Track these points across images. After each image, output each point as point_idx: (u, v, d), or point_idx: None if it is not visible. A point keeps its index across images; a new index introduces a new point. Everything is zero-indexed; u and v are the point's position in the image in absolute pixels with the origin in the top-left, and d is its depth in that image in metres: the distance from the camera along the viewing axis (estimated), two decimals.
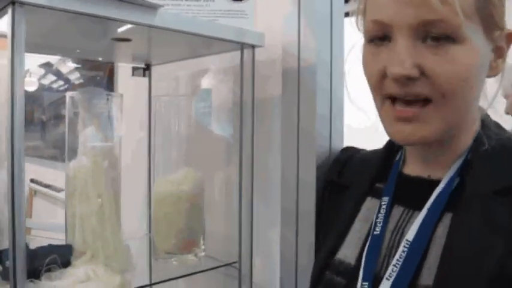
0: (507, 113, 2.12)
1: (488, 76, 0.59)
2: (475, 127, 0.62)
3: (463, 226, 0.55)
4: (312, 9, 0.90)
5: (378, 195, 0.67)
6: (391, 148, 0.72)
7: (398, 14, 0.53)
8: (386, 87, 0.56)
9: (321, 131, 0.88)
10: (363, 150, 0.82)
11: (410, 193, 0.64)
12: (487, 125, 0.62)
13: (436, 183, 0.60)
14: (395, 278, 0.56)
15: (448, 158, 0.61)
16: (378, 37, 0.57)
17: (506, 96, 2.11)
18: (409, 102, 0.55)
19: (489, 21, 0.55)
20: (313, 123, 0.88)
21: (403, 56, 0.53)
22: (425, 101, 0.55)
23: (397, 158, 0.69)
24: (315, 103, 0.88)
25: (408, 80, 0.54)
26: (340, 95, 0.91)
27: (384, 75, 0.56)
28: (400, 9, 0.53)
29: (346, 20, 0.92)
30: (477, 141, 0.60)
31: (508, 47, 0.59)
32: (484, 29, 0.55)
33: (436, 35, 0.53)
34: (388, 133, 0.59)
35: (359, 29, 0.63)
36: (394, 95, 0.56)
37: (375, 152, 0.75)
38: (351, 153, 0.82)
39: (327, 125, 0.89)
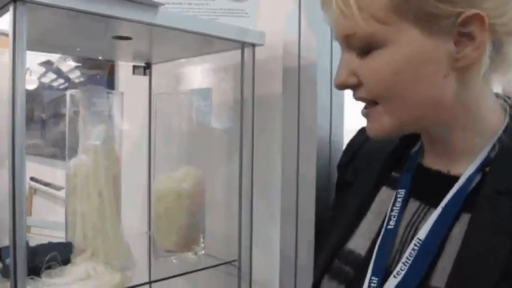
0: None
1: (466, 67, 0.55)
2: (496, 120, 0.59)
3: (481, 227, 0.52)
4: (313, 7, 0.90)
5: (394, 185, 0.65)
6: (409, 137, 0.69)
7: (335, 31, 0.60)
8: None
9: (321, 129, 0.88)
10: None
11: (428, 188, 0.61)
12: None
13: (455, 179, 0.57)
14: (404, 277, 0.54)
15: (469, 153, 0.58)
16: None
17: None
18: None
19: (420, 16, 0.53)
20: (314, 121, 0.88)
21: (340, 67, 0.60)
22: (375, 102, 0.59)
23: (416, 148, 0.68)
24: (315, 101, 0.88)
25: (350, 87, 0.59)
26: (341, 93, 0.91)
27: None
28: (335, 27, 0.59)
29: None
30: (501, 138, 0.57)
31: (481, 30, 0.53)
32: (416, 26, 0.53)
33: (357, 45, 0.57)
34: None
35: None
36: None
37: (393, 139, 0.72)
38: (366, 136, 0.81)
39: (327, 122, 0.89)
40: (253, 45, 0.93)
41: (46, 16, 0.73)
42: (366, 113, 0.61)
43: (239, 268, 0.97)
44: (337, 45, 0.89)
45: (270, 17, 0.96)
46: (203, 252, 0.98)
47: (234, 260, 0.97)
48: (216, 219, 1.09)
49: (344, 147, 0.90)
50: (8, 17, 0.63)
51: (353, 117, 0.92)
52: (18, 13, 0.63)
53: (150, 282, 0.90)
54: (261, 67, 0.96)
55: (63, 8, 0.66)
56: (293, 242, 0.93)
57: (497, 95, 0.61)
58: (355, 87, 0.59)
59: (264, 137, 1.00)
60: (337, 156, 0.89)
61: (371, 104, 0.59)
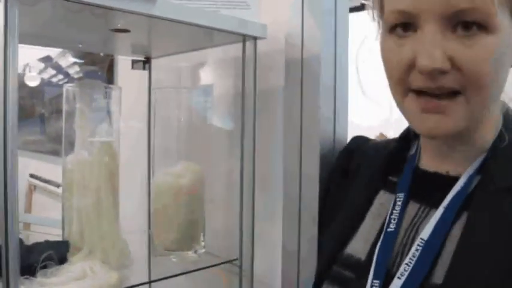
0: None
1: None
2: (496, 122, 0.59)
3: (478, 224, 0.53)
4: None
5: (392, 189, 0.65)
6: (406, 140, 0.69)
7: (427, 2, 0.50)
8: (413, 80, 0.53)
9: (324, 123, 0.86)
10: (373, 140, 0.80)
11: (427, 190, 0.61)
12: (508, 119, 0.59)
13: (455, 180, 0.57)
14: (407, 277, 0.54)
15: (468, 154, 0.58)
16: (401, 25, 0.54)
17: None
18: (435, 94, 0.53)
19: None
20: (316, 114, 0.86)
21: (433, 48, 0.50)
22: (453, 93, 0.52)
23: (412, 152, 0.67)
24: (318, 95, 0.86)
25: (438, 73, 0.51)
26: (344, 87, 0.89)
27: (409, 68, 0.53)
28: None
29: (352, 14, 0.90)
30: (499, 137, 0.58)
31: None
32: (511, 17, 0.52)
33: (467, 23, 0.50)
34: (413, 125, 0.57)
35: (374, 19, 0.61)
36: (422, 89, 0.53)
37: (387, 143, 0.73)
38: (360, 142, 0.80)
39: (331, 116, 0.87)
40: (255, 38, 0.91)
41: (40, 7, 0.71)
42: (440, 107, 0.52)
43: (240, 267, 0.95)
44: (341, 37, 0.89)
45: (272, 8, 0.94)
46: (203, 250, 0.96)
47: (236, 259, 0.95)
48: (217, 216, 1.07)
49: (347, 141, 0.88)
50: None
51: (356, 112, 0.91)
52: (9, 5, 0.61)
53: (149, 282, 0.88)
54: (262, 60, 0.93)
55: None
56: (296, 240, 0.91)
57: None
58: (440, 73, 0.51)
59: (265, 131, 0.98)
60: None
61: (446, 96, 0.52)
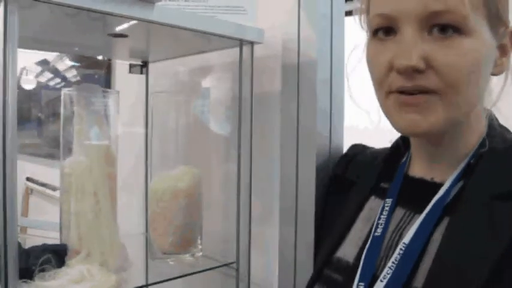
0: None
1: (493, 74, 0.58)
2: (480, 129, 0.60)
3: (458, 230, 0.54)
4: (313, 3, 0.88)
5: (382, 195, 0.67)
6: (399, 147, 0.71)
7: (403, 5, 0.53)
8: (392, 81, 0.55)
9: (320, 128, 0.87)
10: (371, 148, 0.81)
11: (413, 195, 0.63)
12: (493, 126, 0.61)
13: (439, 186, 0.59)
14: (389, 280, 0.56)
15: (453, 160, 0.60)
16: (383, 29, 0.56)
17: None
18: (414, 94, 0.55)
19: (494, 16, 0.54)
20: (313, 119, 0.87)
21: (409, 48, 0.53)
22: (431, 93, 0.54)
23: (404, 159, 0.69)
24: (315, 99, 0.86)
25: (415, 72, 0.53)
26: (341, 91, 0.90)
27: (389, 69, 0.55)
28: (405, 1, 0.53)
29: (349, 19, 0.91)
30: (481, 145, 0.59)
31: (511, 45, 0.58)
32: (489, 24, 0.54)
33: (442, 25, 0.52)
34: (393, 122, 0.58)
35: (362, 27, 0.63)
36: (400, 89, 0.55)
37: (383, 151, 0.74)
38: (358, 151, 0.82)
39: (327, 121, 0.88)
40: (252, 43, 0.91)
41: (39, 12, 0.71)
42: (418, 103, 0.54)
43: (237, 270, 0.95)
44: (338, 41, 0.89)
45: (269, 13, 0.95)
46: (201, 254, 0.96)
47: (233, 262, 0.96)
48: (214, 219, 1.07)
49: (343, 146, 0.89)
50: None
51: (353, 116, 0.91)
52: (9, 9, 0.61)
53: (147, 285, 0.89)
54: (259, 64, 0.94)
55: (56, 3, 0.65)
56: (292, 243, 0.91)
57: None
58: (416, 73, 0.53)
59: (262, 136, 0.99)
60: (336, 155, 0.88)
61: (424, 94, 0.54)
